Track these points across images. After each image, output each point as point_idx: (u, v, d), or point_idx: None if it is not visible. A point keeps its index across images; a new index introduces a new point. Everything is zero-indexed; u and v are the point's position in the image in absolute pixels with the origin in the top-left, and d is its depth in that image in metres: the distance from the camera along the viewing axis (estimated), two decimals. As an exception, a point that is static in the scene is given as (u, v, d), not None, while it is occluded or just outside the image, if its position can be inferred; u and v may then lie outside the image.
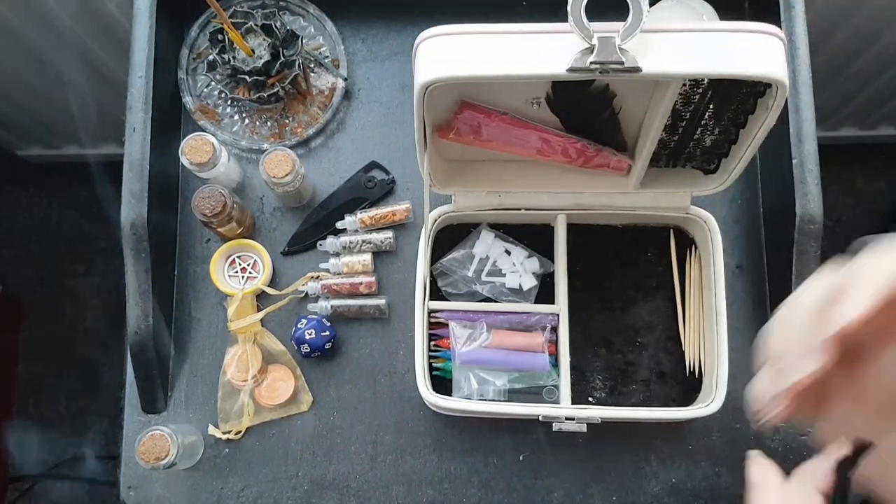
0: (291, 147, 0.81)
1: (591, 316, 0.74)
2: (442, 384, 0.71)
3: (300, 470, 0.75)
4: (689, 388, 0.72)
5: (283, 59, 0.77)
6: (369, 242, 0.78)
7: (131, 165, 0.74)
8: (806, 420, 0.35)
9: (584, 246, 0.75)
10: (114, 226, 0.74)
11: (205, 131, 0.78)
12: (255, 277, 0.78)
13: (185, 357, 0.78)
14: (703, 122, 0.62)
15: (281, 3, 0.84)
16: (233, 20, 0.75)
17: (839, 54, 1.18)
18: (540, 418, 0.65)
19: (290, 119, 0.82)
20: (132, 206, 0.73)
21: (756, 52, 0.48)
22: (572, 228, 0.73)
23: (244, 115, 0.83)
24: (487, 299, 0.74)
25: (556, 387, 0.69)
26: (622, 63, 0.46)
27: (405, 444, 0.76)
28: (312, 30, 0.84)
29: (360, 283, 0.77)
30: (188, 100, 0.82)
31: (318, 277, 0.79)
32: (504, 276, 0.74)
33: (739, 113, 0.59)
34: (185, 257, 0.80)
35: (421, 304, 0.69)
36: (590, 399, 0.72)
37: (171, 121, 0.82)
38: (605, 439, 0.75)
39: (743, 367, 0.72)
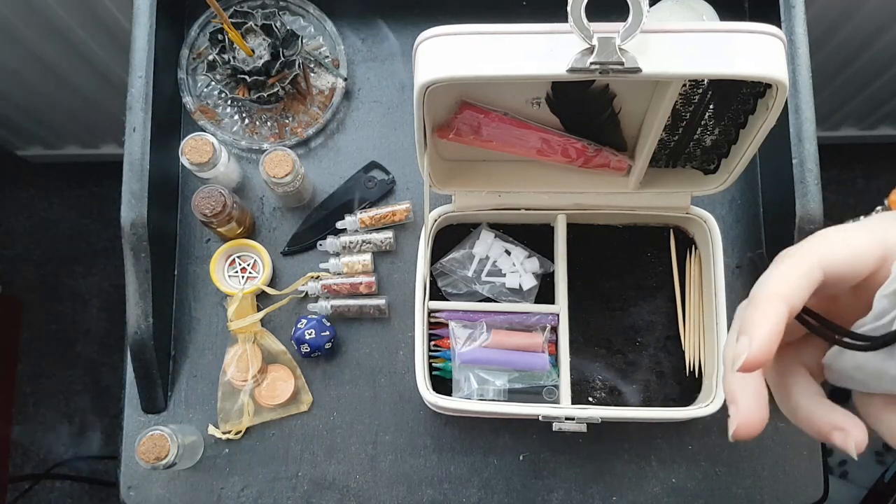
0: (291, 147, 0.81)
1: (591, 316, 0.74)
2: (442, 384, 0.71)
3: (300, 470, 0.75)
4: (689, 388, 0.72)
5: (283, 59, 0.77)
6: (369, 242, 0.78)
7: (131, 165, 0.74)
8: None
9: (584, 246, 0.75)
10: (114, 226, 0.74)
11: (205, 131, 0.78)
12: (255, 277, 0.78)
13: (185, 357, 0.78)
14: (703, 122, 0.62)
15: (281, 3, 0.84)
16: (233, 20, 0.75)
17: (839, 54, 1.18)
18: (540, 418, 0.65)
19: (290, 119, 0.82)
20: (132, 206, 0.73)
21: (756, 52, 0.48)
22: (572, 228, 0.73)
23: (244, 115, 0.83)
24: (487, 299, 0.74)
25: (556, 387, 0.69)
26: (622, 63, 0.46)
27: (405, 444, 0.76)
28: (312, 30, 0.84)
29: (360, 283, 0.77)
30: (188, 100, 0.82)
31: (318, 277, 0.79)
32: (504, 276, 0.74)
33: (739, 113, 0.59)
34: (185, 257, 0.80)
35: (421, 304, 0.69)
36: (590, 399, 0.72)
37: (171, 121, 0.82)
38: (605, 439, 0.75)
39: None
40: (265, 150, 0.74)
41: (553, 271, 0.74)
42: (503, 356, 0.70)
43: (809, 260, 0.31)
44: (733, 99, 0.57)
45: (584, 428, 0.64)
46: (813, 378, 0.34)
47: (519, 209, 0.72)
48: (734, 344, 0.31)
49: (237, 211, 0.74)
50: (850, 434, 0.31)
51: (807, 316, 0.32)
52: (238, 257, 0.78)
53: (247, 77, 0.76)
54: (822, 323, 0.32)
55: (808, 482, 0.74)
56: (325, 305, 0.77)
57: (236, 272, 0.78)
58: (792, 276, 0.30)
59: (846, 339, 0.31)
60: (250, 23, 0.77)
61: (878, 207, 0.36)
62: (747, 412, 0.30)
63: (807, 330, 0.32)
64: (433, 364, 0.71)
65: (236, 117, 0.83)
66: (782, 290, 0.30)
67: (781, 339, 0.31)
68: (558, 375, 0.69)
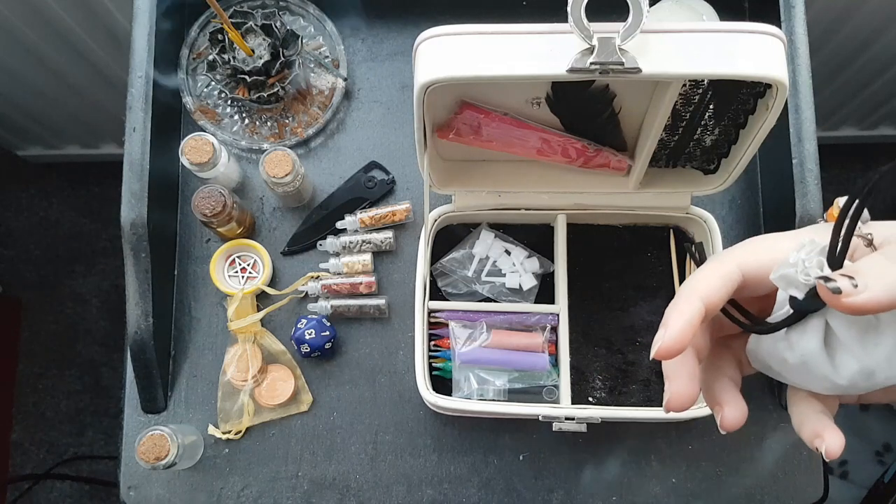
0: (291, 147, 0.81)
1: (591, 316, 0.74)
2: (442, 384, 0.71)
3: (300, 470, 0.75)
4: (689, 388, 0.72)
5: (283, 59, 0.77)
6: (369, 242, 0.78)
7: (131, 165, 0.74)
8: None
9: (584, 246, 0.75)
10: (114, 226, 0.74)
11: (205, 131, 0.78)
12: (255, 277, 0.78)
13: (185, 357, 0.78)
14: (703, 122, 0.62)
15: (281, 3, 0.84)
16: (233, 20, 0.75)
17: (839, 54, 1.18)
18: (540, 418, 0.65)
19: (290, 119, 0.82)
20: (132, 206, 0.73)
21: (756, 52, 0.48)
22: (572, 228, 0.73)
23: (244, 115, 0.83)
24: (487, 299, 0.74)
25: (556, 387, 0.69)
26: (622, 64, 0.46)
27: (405, 444, 0.76)
28: (312, 30, 0.84)
29: (360, 283, 0.77)
30: (188, 100, 0.82)
31: (318, 277, 0.79)
32: (504, 276, 0.74)
33: (739, 113, 0.59)
34: (185, 257, 0.80)
35: (421, 304, 0.69)
36: (590, 399, 0.72)
37: (171, 121, 0.82)
38: (605, 439, 0.75)
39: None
40: (265, 150, 0.74)
41: (553, 271, 0.74)
42: (503, 356, 0.70)
43: (730, 263, 0.35)
44: (733, 99, 0.57)
45: (584, 428, 0.64)
46: (741, 366, 0.39)
47: (519, 209, 0.72)
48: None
49: (237, 211, 0.74)
50: (723, 411, 0.36)
51: (730, 307, 0.36)
52: (238, 257, 0.78)
53: (247, 77, 0.76)
54: (741, 312, 0.36)
55: (808, 482, 0.74)
56: (325, 305, 0.77)
57: (236, 272, 0.78)
58: (712, 276, 0.35)
59: (745, 322, 0.36)
60: (250, 23, 0.77)
61: (819, 219, 0.39)
62: (679, 389, 0.35)
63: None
64: (433, 364, 0.71)
65: (236, 117, 0.83)
66: (700, 289, 0.35)
67: (721, 331, 0.38)
68: (558, 375, 0.69)
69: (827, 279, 0.29)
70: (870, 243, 0.32)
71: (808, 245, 0.32)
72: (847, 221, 0.30)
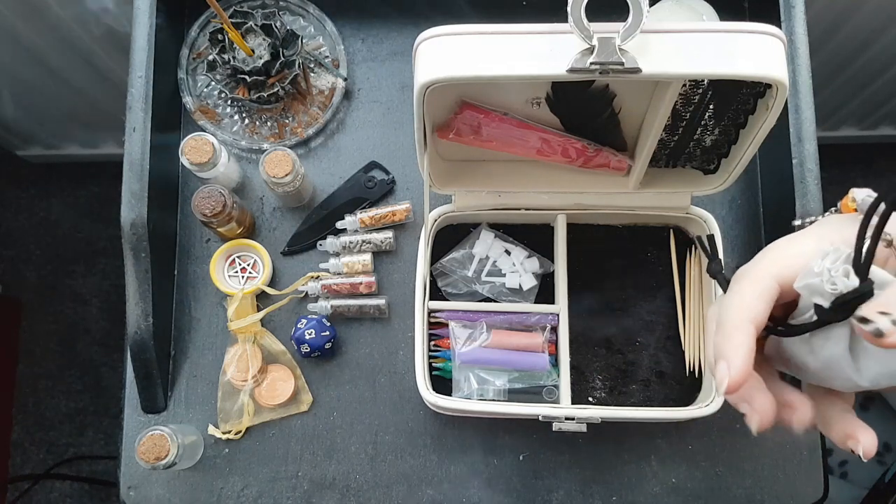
0: (291, 147, 0.81)
1: (591, 316, 0.74)
2: (442, 384, 0.71)
3: (300, 470, 0.75)
4: (689, 388, 0.72)
5: (283, 59, 0.77)
6: (369, 242, 0.78)
7: (131, 165, 0.74)
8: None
9: (584, 246, 0.75)
10: (114, 226, 0.74)
11: (205, 131, 0.78)
12: (255, 277, 0.78)
13: (185, 357, 0.78)
14: (703, 122, 0.62)
15: (281, 3, 0.84)
16: (233, 20, 0.75)
17: (839, 54, 1.18)
18: (540, 418, 0.65)
19: (290, 119, 0.82)
20: (132, 206, 0.73)
21: (756, 52, 0.48)
22: (572, 228, 0.73)
23: (244, 115, 0.83)
24: (487, 299, 0.74)
25: (556, 387, 0.69)
26: (622, 64, 0.46)
27: (405, 443, 0.76)
28: (312, 30, 0.84)
29: (360, 283, 0.77)
30: (188, 100, 0.82)
31: (318, 277, 0.79)
32: (504, 276, 0.74)
33: (739, 113, 0.59)
34: (185, 257, 0.80)
35: (421, 304, 0.69)
36: (590, 399, 0.72)
37: (171, 121, 0.82)
38: (605, 439, 0.75)
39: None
40: (265, 150, 0.74)
41: (553, 271, 0.74)
42: (503, 356, 0.70)
43: (765, 278, 0.35)
44: (733, 99, 0.57)
45: (584, 428, 0.64)
46: (766, 366, 0.39)
47: (519, 209, 0.72)
48: (712, 331, 0.35)
49: (237, 211, 0.74)
50: (753, 413, 0.35)
51: None
52: (238, 257, 0.78)
53: (247, 77, 0.76)
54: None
55: (808, 482, 0.74)
56: (325, 305, 0.77)
57: (236, 272, 0.78)
58: (751, 297, 0.34)
59: (768, 325, 0.35)
60: (250, 23, 0.77)
61: (832, 209, 0.39)
62: (736, 371, 0.33)
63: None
64: (433, 364, 0.71)
65: (236, 117, 0.83)
66: (747, 315, 0.34)
67: None
68: (558, 375, 0.69)
69: (865, 320, 0.28)
70: (889, 244, 0.32)
71: (833, 253, 0.32)
72: (871, 229, 0.30)
